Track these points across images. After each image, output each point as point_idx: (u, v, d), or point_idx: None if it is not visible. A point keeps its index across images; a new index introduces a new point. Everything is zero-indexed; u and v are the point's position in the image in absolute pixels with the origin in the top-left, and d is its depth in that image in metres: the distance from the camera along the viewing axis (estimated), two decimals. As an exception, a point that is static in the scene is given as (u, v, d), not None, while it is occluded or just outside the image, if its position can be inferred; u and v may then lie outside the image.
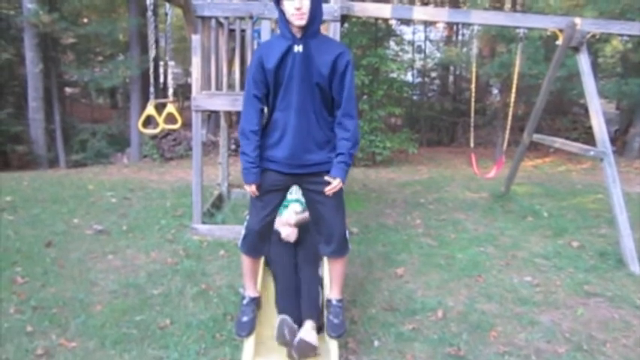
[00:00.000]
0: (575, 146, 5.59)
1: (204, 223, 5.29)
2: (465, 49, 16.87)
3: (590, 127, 5.51)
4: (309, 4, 2.46)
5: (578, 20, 5.19)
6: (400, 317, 3.55)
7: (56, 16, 11.00)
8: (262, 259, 3.16)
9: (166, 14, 5.42)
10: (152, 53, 5.37)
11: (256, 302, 2.87)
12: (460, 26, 17.20)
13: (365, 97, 11.95)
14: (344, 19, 5.23)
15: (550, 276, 4.37)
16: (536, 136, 6.40)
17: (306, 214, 3.22)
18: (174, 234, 5.25)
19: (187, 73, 19.33)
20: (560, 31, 5.34)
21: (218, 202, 6.38)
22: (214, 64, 5.20)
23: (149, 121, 5.27)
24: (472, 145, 7.28)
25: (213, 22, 5.14)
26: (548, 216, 6.31)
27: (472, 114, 7.19)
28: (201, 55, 5.04)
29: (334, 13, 4.86)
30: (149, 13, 5.15)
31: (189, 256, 4.64)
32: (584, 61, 5.27)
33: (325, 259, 2.98)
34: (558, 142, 5.98)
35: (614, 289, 4.09)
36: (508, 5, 13.61)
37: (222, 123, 6.86)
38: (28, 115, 11.74)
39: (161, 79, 16.87)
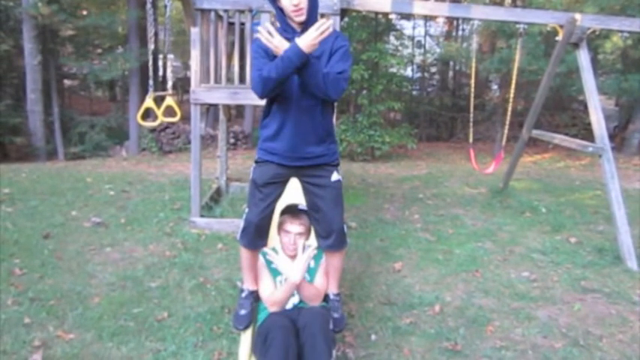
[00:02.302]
0: (574, 142, 5.59)
1: (202, 216, 5.29)
2: (464, 45, 16.87)
3: (589, 124, 5.51)
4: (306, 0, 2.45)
5: (578, 16, 5.18)
6: (397, 311, 3.56)
7: (55, 7, 10.96)
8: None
9: (165, 7, 5.39)
10: (151, 46, 5.35)
11: (254, 295, 2.87)
12: (460, 21, 17.17)
13: (364, 91, 11.93)
14: (344, 12, 5.21)
15: (547, 271, 4.38)
16: (535, 132, 6.40)
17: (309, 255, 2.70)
18: (173, 227, 5.25)
19: (187, 67, 19.31)
20: (560, 26, 5.33)
21: (216, 196, 6.38)
22: (213, 57, 5.18)
23: (148, 114, 5.25)
24: (471, 140, 7.27)
25: (212, 14, 5.12)
26: (547, 212, 6.32)
27: (471, 109, 7.18)
28: (200, 49, 5.02)
29: (334, 6, 4.85)
30: (148, 6, 5.12)
31: (188, 249, 4.64)
32: (583, 57, 5.26)
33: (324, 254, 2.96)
34: (557, 138, 5.98)
35: (611, 285, 4.10)
36: (508, 0, 13.58)
37: (221, 116, 6.85)
38: (27, 107, 11.72)
39: (160, 72, 16.85)
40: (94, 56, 14.60)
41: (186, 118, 7.41)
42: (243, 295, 2.86)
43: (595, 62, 13.00)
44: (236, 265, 4.11)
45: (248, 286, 2.86)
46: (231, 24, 5.47)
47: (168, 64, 6.59)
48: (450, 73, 19.73)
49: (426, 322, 3.42)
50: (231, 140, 12.86)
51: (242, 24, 5.30)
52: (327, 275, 2.86)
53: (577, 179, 9.13)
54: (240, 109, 17.74)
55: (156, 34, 5.50)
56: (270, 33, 2.31)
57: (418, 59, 18.53)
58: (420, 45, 18.74)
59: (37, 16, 10.85)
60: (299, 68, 2.30)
